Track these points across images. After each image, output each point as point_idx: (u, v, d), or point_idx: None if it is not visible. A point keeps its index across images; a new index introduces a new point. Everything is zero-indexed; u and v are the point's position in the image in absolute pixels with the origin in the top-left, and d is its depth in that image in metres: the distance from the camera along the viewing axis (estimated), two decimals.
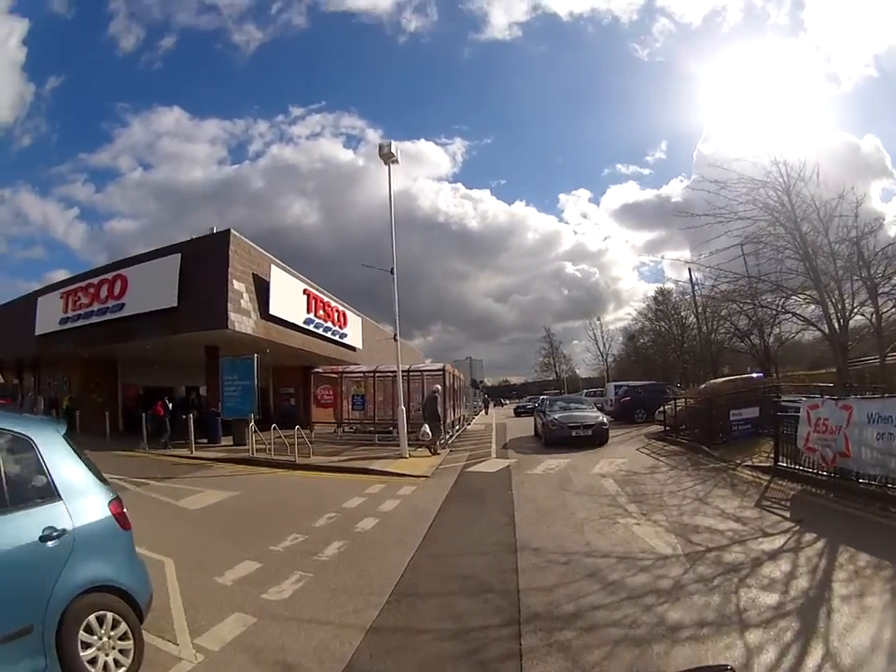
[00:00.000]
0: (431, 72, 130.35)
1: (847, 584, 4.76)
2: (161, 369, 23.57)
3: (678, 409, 17.11)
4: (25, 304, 22.38)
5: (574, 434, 15.20)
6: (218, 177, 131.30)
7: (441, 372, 18.77)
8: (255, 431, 14.55)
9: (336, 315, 24.59)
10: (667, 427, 17.28)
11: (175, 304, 17.09)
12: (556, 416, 16.29)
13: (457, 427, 20.63)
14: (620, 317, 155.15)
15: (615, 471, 10.99)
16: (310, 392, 19.82)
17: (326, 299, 23.65)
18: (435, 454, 14.82)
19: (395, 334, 14.65)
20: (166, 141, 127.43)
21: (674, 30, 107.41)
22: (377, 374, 19.12)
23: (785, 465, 9.84)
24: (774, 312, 16.84)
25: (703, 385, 19.92)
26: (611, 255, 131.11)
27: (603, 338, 62.80)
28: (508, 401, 72.50)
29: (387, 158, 14.24)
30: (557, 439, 15.37)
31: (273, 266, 18.98)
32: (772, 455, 10.58)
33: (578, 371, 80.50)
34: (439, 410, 16.29)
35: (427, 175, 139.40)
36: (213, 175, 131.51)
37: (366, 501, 8.83)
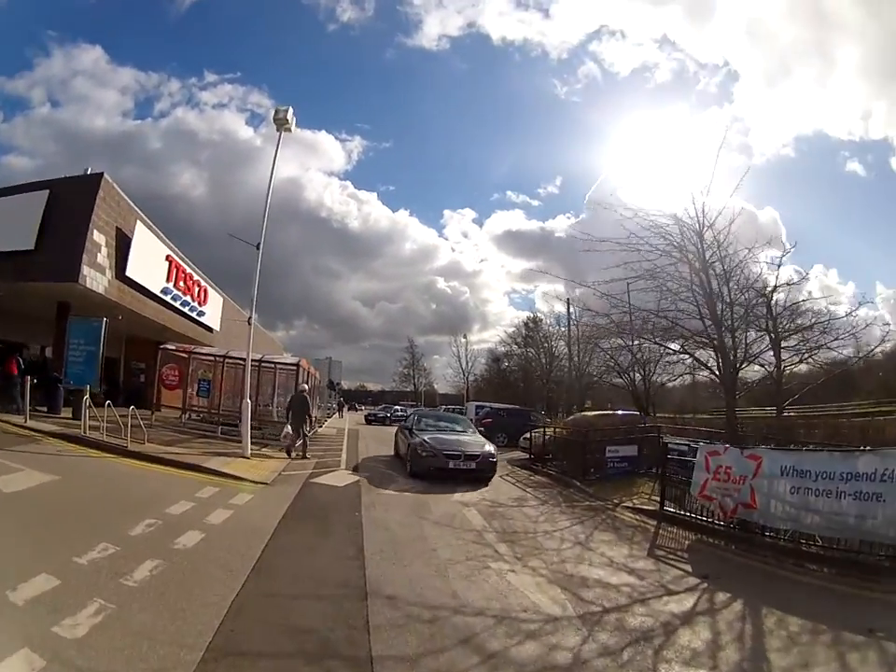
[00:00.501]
0: (350, 65, 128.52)
1: (785, 655, 4.36)
2: (16, 321, 20.57)
3: (545, 437, 17.11)
4: None
5: (452, 465, 12.40)
6: (120, 129, 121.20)
7: (295, 368, 18.09)
8: (90, 406, 12.99)
9: (197, 289, 22.98)
10: (532, 456, 17.20)
11: (32, 247, 15.04)
12: (428, 439, 13.17)
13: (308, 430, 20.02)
14: (484, 338, 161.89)
15: (478, 500, 10.76)
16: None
17: (189, 270, 21.98)
18: (304, 457, 14.26)
19: (249, 316, 13.69)
20: (81, 81, 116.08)
21: (599, 76, 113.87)
22: (227, 360, 17.99)
23: (673, 510, 9.61)
24: (661, 351, 17.40)
25: (572, 417, 20.21)
26: (485, 277, 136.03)
27: (467, 356, 64.28)
28: (364, 407, 72.22)
29: (281, 124, 13.65)
30: (428, 469, 12.43)
31: (138, 223, 17.34)
32: (654, 498, 10.46)
33: (436, 387, 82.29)
34: (310, 411, 15.58)
35: (319, 168, 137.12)
36: (115, 126, 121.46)
37: (194, 508, 8.07)
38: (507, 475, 14.77)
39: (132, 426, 12.13)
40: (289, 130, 13.77)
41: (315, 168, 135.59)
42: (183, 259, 21.46)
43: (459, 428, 15.23)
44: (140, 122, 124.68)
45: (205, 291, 24.01)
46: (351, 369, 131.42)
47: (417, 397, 76.57)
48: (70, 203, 15.39)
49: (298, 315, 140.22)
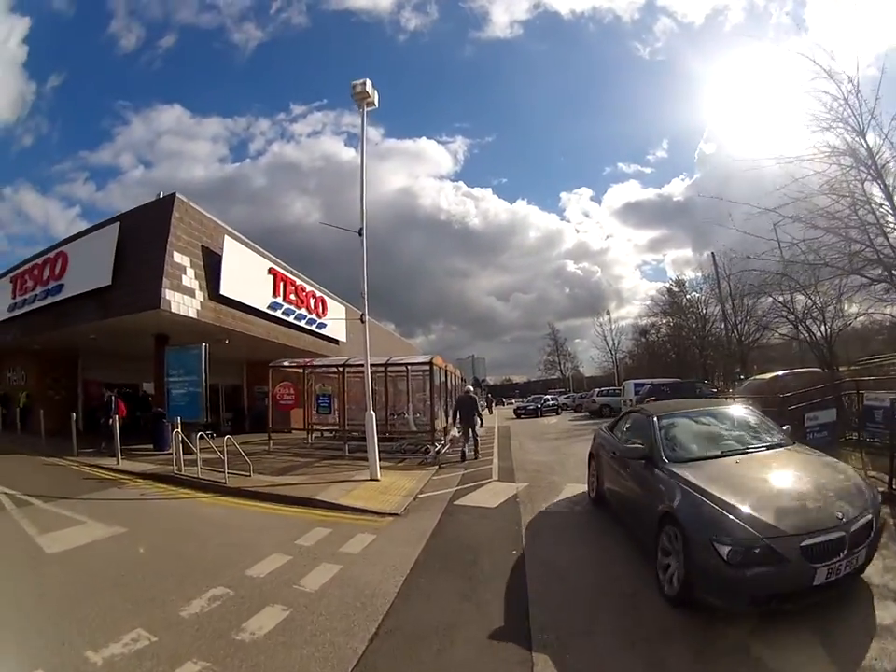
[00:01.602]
0: (432, 70, 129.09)
1: None
2: (126, 363, 20.18)
3: None
4: None
5: (824, 580, 3.89)
6: (220, 175, 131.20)
7: (427, 367, 15.34)
8: (202, 438, 11.04)
9: (313, 301, 21.07)
10: None
11: (109, 283, 14.02)
12: (735, 501, 4.28)
13: (452, 434, 17.36)
14: (622, 315, 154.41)
15: None
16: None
17: (299, 282, 20.17)
18: (475, 458, 13.10)
19: (362, 314, 11.23)
20: (167, 139, 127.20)
21: (675, 29, 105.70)
22: (348, 368, 15.44)
23: None
24: (841, 287, 14.05)
25: (745, 383, 17.01)
26: (613, 253, 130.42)
27: (612, 333, 59.32)
28: (514, 400, 69.40)
29: (362, 98, 11.12)
30: (752, 596, 3.91)
31: (226, 237, 15.65)
32: (870, 473, 7.46)
33: (582, 370, 77.85)
34: (479, 411, 14.37)
35: (428, 174, 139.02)
36: (215, 173, 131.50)
37: (288, 564, 5.62)
38: None
39: (234, 456, 10.11)
40: (373, 104, 11.40)
41: (424, 175, 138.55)
42: (291, 272, 19.78)
43: (755, 442, 5.81)
44: (239, 165, 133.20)
45: (322, 302, 22.13)
46: (495, 364, 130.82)
47: (565, 383, 72.50)
48: (144, 231, 14.13)
49: (434, 320, 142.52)
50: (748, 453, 5.46)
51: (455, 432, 14.19)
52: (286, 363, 16.57)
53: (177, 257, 13.81)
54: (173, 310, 13.37)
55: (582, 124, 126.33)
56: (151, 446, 14.37)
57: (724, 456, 5.34)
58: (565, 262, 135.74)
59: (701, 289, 39.86)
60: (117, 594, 4.87)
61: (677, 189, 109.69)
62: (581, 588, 4.84)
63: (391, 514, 7.73)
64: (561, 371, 78.34)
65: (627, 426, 7.17)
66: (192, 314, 14.07)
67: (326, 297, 22.66)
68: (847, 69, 10.12)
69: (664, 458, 5.39)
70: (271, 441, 14.88)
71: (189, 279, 14.13)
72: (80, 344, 18.30)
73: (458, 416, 14.05)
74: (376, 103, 11.41)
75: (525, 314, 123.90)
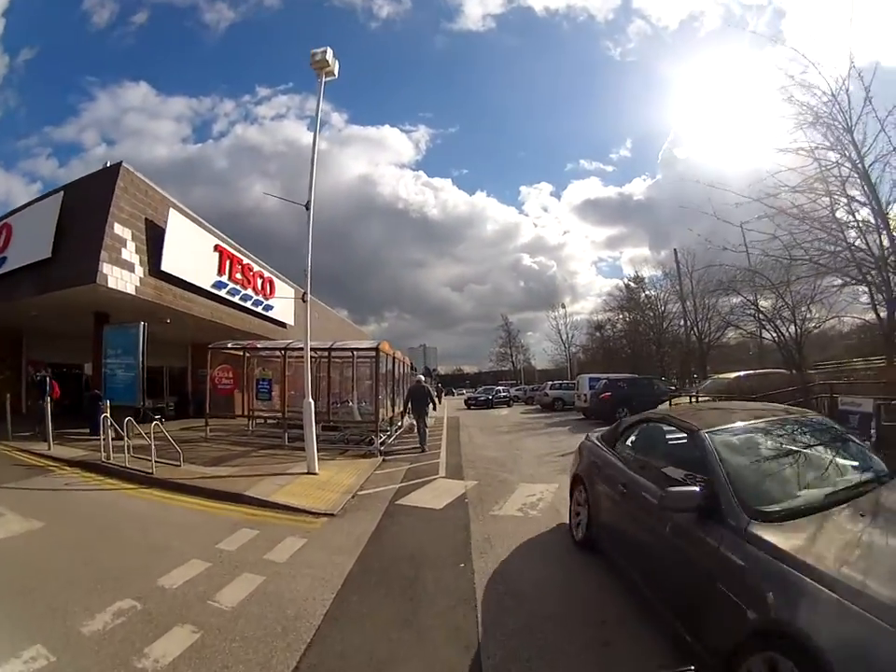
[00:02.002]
0: (402, 59, 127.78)
1: None
2: (71, 343, 19.08)
3: None
4: None
5: None
6: (182, 155, 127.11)
7: (373, 353, 14.86)
8: (129, 422, 10.37)
9: (260, 282, 20.34)
10: None
11: (49, 255, 13.17)
12: None
13: (398, 425, 17.11)
14: (576, 310, 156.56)
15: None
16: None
17: (247, 261, 19.39)
18: (422, 450, 13.21)
19: (304, 292, 10.75)
20: (131, 116, 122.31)
21: (649, 31, 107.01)
22: (289, 352, 14.82)
23: None
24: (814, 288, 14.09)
25: (707, 382, 17.46)
26: (570, 249, 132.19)
27: (566, 327, 60.17)
28: (465, 391, 69.49)
29: (320, 67, 10.67)
30: None
31: (171, 210, 14.87)
32: None
33: (534, 363, 78.81)
34: (432, 400, 14.72)
35: (389, 162, 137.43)
36: (177, 153, 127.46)
37: (206, 572, 5.28)
38: None
39: (167, 443, 9.73)
40: (332, 73, 10.89)
41: (384, 163, 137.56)
42: (239, 250, 18.99)
43: (857, 471, 3.84)
44: (202, 145, 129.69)
45: (271, 283, 21.39)
46: (446, 354, 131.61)
47: (516, 375, 73.26)
48: (88, 202, 13.25)
49: (388, 308, 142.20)
50: (862, 492, 3.48)
51: (408, 420, 14.08)
52: (229, 345, 15.91)
53: (118, 229, 13.04)
54: (110, 285, 12.60)
55: (547, 119, 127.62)
56: (88, 430, 13.73)
57: (836, 504, 3.27)
58: (521, 255, 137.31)
59: (660, 286, 40.95)
60: (15, 604, 4.49)
61: (638, 188, 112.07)
62: (545, 618, 4.26)
63: (326, 514, 7.43)
64: (513, 362, 79.30)
65: (640, 440, 5.31)
66: (131, 290, 13.31)
67: (275, 278, 22.00)
68: (837, 66, 10.28)
69: (740, 513, 3.19)
70: (208, 428, 14.39)
71: (130, 253, 13.36)
72: (25, 323, 17.44)
73: (410, 406, 14.24)
74: (336, 73, 10.95)
75: (479, 305, 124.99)
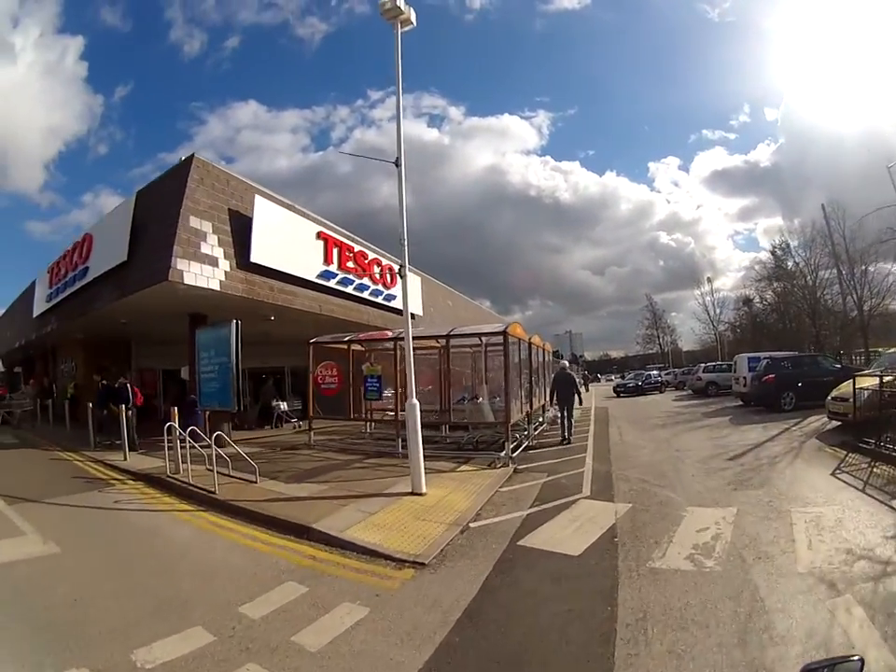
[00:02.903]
0: (505, 46, 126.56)
1: None
2: (180, 348, 18.76)
3: (884, 394, 9.13)
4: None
5: None
6: (304, 164, 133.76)
7: (500, 337, 11.75)
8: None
9: (378, 270, 18.35)
10: (853, 423, 9.93)
11: (125, 258, 12.28)
12: None
13: (538, 422, 14.29)
14: (717, 287, 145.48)
15: (834, 560, 4.44)
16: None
17: (359, 248, 17.54)
18: (568, 442, 12.05)
19: (401, 265, 8.46)
20: (246, 134, 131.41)
21: None
22: (401, 343, 11.62)
23: None
24: None
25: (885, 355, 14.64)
26: (705, 224, 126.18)
27: (713, 303, 53.93)
28: (613, 377, 64.69)
29: (394, 16, 8.15)
30: None
31: (257, 197, 13.32)
32: None
33: (680, 344, 72.59)
34: (578, 389, 13.54)
35: (514, 150, 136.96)
36: (298, 163, 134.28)
37: (199, 652, 3.38)
38: (840, 471, 7.73)
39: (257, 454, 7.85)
40: (410, 21, 8.38)
41: (510, 151, 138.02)
42: (348, 237, 17.20)
43: None
44: (323, 153, 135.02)
45: (391, 270, 18.91)
46: (591, 339, 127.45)
47: (664, 357, 67.49)
48: (164, 199, 12.14)
49: (531, 296, 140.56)
50: None
51: (552, 412, 13.27)
52: (326, 339, 14.03)
53: (195, 222, 11.66)
54: (187, 281, 11.23)
55: (662, 92, 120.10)
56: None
57: None
58: (657, 234, 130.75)
59: (802, 255, 35.82)
60: None
61: (763, 154, 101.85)
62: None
63: (414, 563, 4.99)
64: (660, 344, 73.62)
65: None
66: (215, 286, 11.89)
67: (394, 265, 19.81)
68: None
69: None
70: (311, 433, 12.61)
71: (211, 247, 11.94)
72: (130, 332, 17.14)
73: (556, 396, 13.21)
74: (413, 20, 8.35)
75: (620, 287, 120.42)
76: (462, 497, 7.28)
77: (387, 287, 18.74)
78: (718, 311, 53.83)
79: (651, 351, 75.96)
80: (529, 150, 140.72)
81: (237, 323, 11.54)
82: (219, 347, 11.90)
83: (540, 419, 14.92)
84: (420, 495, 7.41)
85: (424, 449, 8.11)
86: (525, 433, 12.84)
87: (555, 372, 14.90)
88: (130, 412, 11.60)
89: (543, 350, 18.00)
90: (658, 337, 74.25)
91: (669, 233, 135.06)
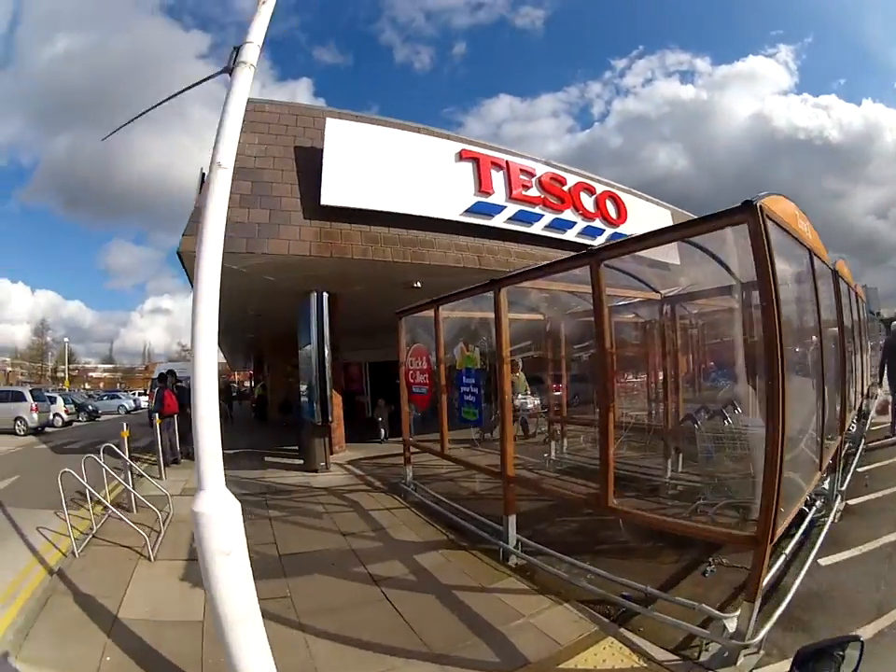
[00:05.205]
0: None
1: None
2: (388, 338, 15.61)
3: None
4: None
5: None
6: (575, 144, 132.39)
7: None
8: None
9: (590, 199, 12.39)
10: None
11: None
12: None
13: (854, 443, 7.68)
14: None
15: None
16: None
17: (545, 170, 11.86)
18: None
19: None
20: (507, 127, 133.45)
21: None
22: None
23: None
24: None
25: None
26: None
27: None
28: None
29: None
30: None
31: (328, 119, 9.53)
32: None
33: None
34: None
35: (771, 92, 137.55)
36: (568, 145, 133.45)
37: None
38: None
39: None
40: None
41: (767, 94, 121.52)
42: (514, 154, 11.80)
43: None
44: (589, 131, 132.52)
45: (615, 199, 12.84)
46: (887, 294, 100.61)
47: None
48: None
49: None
50: None
51: (881, 396, 10.37)
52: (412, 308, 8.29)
53: None
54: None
55: None
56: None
57: None
58: None
59: None
60: None
61: None
62: None
63: None
64: None
65: None
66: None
67: (620, 193, 13.41)
68: None
69: None
70: (409, 467, 7.88)
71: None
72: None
73: (886, 372, 9.40)
74: None
75: None
76: None
77: (612, 224, 12.65)
78: None
79: None
80: (785, 90, 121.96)
81: (318, 296, 8.01)
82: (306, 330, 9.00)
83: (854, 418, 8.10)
84: None
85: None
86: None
87: (887, 338, 10.64)
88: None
89: (862, 296, 11.44)
90: None
91: None
